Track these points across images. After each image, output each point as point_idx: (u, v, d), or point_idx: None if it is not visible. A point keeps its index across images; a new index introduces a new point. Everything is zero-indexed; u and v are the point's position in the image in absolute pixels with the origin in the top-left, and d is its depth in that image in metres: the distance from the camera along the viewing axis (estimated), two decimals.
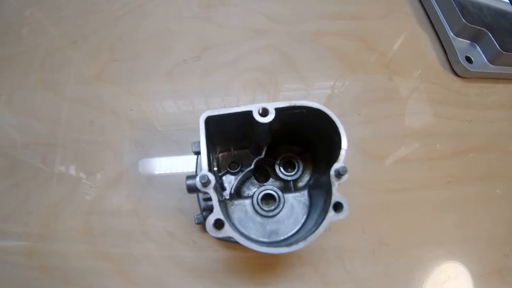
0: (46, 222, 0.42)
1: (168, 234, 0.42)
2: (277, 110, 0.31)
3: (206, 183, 0.28)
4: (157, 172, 0.46)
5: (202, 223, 0.39)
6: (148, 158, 0.46)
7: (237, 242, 0.37)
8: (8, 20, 0.56)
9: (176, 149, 0.46)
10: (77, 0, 0.58)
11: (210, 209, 0.28)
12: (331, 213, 0.28)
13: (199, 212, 0.39)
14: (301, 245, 0.28)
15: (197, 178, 0.28)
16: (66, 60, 0.52)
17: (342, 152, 0.30)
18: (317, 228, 0.28)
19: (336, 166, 0.29)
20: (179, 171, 0.46)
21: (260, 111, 0.31)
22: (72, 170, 0.45)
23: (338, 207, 0.29)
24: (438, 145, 0.50)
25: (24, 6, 0.57)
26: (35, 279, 0.40)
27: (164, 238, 0.41)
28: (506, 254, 0.45)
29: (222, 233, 0.27)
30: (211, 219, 0.27)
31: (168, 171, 0.46)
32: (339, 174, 0.29)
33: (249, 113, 0.31)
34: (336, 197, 0.29)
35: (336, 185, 0.29)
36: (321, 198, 0.32)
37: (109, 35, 0.54)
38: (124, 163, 0.45)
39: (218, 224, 0.28)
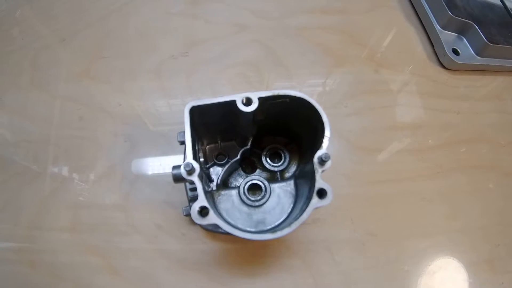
0: (36, 217, 0.42)
1: (156, 227, 0.42)
2: (261, 99, 0.31)
3: (190, 171, 0.28)
4: (145, 166, 0.46)
5: (190, 215, 0.39)
6: (137, 152, 0.46)
7: (224, 233, 0.38)
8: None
9: (164, 143, 0.47)
10: None
11: (197, 199, 0.28)
12: (314, 199, 0.29)
13: (187, 205, 0.39)
14: (285, 231, 0.28)
15: (182, 167, 0.28)
16: (55, 59, 0.53)
17: (325, 140, 0.30)
18: (301, 214, 0.28)
19: (319, 153, 0.29)
20: (168, 165, 0.46)
21: (244, 101, 0.31)
22: (61, 166, 0.45)
23: (322, 193, 0.29)
24: (425, 137, 0.51)
25: (15, 6, 0.57)
26: (24, 274, 0.40)
27: (152, 231, 0.42)
28: (496, 244, 0.45)
29: (207, 220, 0.28)
30: (195, 206, 0.28)
31: (156, 165, 0.46)
32: (322, 161, 0.29)
33: (233, 102, 0.31)
34: (319, 183, 0.29)
35: (319, 172, 0.29)
36: (306, 187, 0.32)
37: (97, 33, 0.55)
38: (112, 157, 0.46)
39: (203, 212, 0.28)
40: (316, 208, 0.29)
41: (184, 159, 0.41)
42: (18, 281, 0.40)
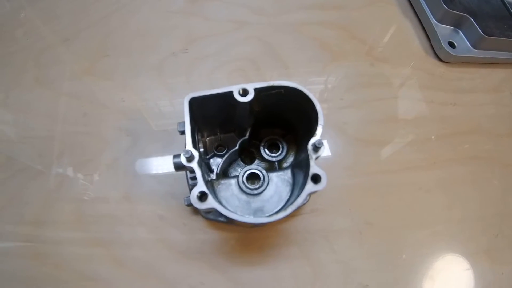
0: (40, 211, 0.43)
1: (159, 218, 0.43)
2: (257, 90, 0.32)
3: (190, 158, 0.30)
4: (148, 159, 0.47)
5: (191, 204, 0.40)
6: (139, 146, 0.47)
7: (224, 221, 0.39)
8: (2, 22, 0.57)
9: (166, 137, 0.48)
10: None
11: None
12: (309, 184, 0.30)
13: (189, 195, 0.40)
14: (280, 215, 0.29)
15: (182, 154, 0.30)
16: (59, 58, 0.54)
17: (319, 127, 0.31)
18: (296, 199, 0.29)
19: (313, 140, 0.31)
20: (169, 157, 0.46)
21: (241, 92, 0.32)
22: (66, 161, 0.46)
23: (316, 179, 0.30)
24: (423, 128, 0.51)
25: (19, 8, 0.58)
26: (29, 267, 0.41)
27: (155, 222, 0.42)
28: (495, 235, 0.46)
29: (206, 205, 0.29)
30: (195, 191, 0.29)
31: (158, 158, 0.47)
32: (316, 148, 0.30)
33: (230, 93, 0.32)
34: (313, 169, 0.30)
35: (313, 158, 0.30)
36: (302, 174, 0.33)
37: (99, 32, 0.56)
38: (116, 152, 0.47)
39: (202, 197, 0.29)
40: (311, 193, 0.30)
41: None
42: (24, 274, 0.40)
